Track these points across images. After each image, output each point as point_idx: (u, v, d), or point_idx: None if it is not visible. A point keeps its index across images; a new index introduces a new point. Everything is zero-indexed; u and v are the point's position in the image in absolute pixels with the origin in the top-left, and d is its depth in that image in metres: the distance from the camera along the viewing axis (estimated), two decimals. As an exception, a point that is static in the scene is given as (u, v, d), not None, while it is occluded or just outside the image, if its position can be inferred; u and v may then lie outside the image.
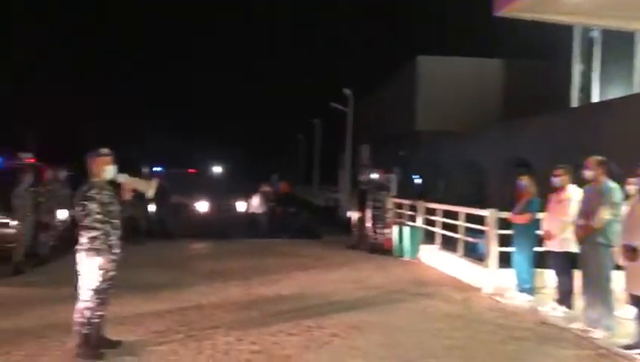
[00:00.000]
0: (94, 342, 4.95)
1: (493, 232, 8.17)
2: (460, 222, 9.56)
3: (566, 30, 17.15)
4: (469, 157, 21.92)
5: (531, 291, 7.43)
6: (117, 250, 4.96)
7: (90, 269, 4.82)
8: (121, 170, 5.14)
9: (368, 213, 12.15)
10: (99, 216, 4.81)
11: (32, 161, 15.92)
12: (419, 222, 11.46)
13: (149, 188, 5.26)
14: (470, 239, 9.39)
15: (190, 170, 20.66)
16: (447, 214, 10.40)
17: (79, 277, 4.89)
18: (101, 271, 4.82)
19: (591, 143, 10.97)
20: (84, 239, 4.81)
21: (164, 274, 9.01)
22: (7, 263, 8.70)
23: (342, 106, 27.23)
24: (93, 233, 4.78)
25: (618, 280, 5.80)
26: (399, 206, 13.01)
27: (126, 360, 4.85)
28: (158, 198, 13.57)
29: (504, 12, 8.47)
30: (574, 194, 6.56)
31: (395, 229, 11.76)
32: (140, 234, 12.85)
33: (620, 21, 9.16)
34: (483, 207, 9.23)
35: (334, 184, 27.18)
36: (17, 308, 6.51)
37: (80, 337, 4.88)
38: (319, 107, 35.49)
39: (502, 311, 6.90)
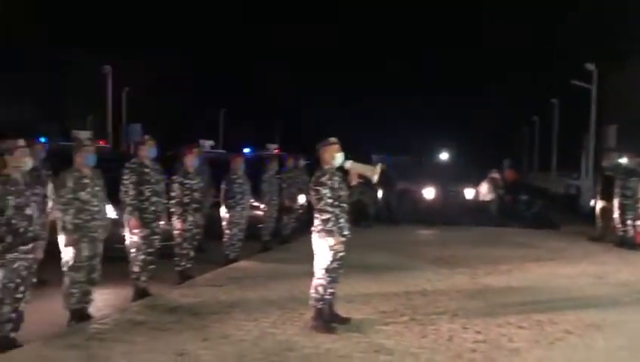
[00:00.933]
0: (327, 316, 5.37)
1: None
2: None
3: None
4: None
5: None
6: (346, 232, 5.28)
7: (322, 249, 5.21)
8: (348, 158, 5.44)
9: (615, 203, 10.85)
10: (330, 201, 5.17)
11: (278, 150, 17.77)
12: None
13: (374, 174, 5.47)
14: None
15: (415, 157, 20.90)
16: None
17: (315, 256, 5.33)
18: (332, 251, 5.18)
19: None
20: (317, 221, 5.22)
21: (391, 257, 9.29)
22: (256, 241, 9.86)
23: (584, 83, 24.59)
24: (325, 216, 5.16)
25: None
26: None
27: (352, 337, 5.13)
28: (384, 184, 14.10)
29: None
30: None
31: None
32: (368, 218, 13.41)
33: None
34: None
35: (575, 170, 24.83)
36: (264, 281, 7.32)
37: (315, 311, 5.32)
38: (557, 85, 32.42)
39: None
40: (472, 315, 5.88)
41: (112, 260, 6.62)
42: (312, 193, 5.25)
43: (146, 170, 6.56)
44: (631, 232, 10.66)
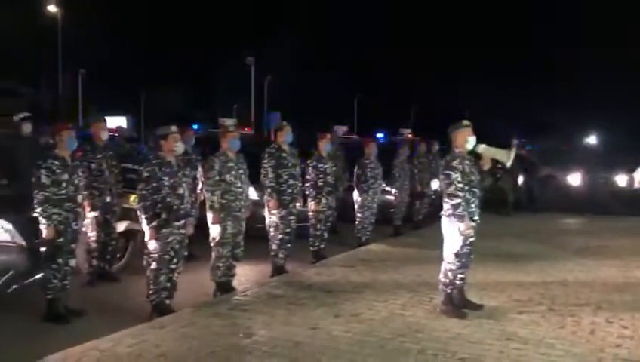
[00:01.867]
0: (457, 301, 5.32)
1: None
2: None
3: None
4: None
5: None
6: (476, 218, 5.18)
7: (452, 234, 5.16)
8: (482, 141, 5.30)
9: None
10: (460, 185, 5.09)
11: (410, 135, 17.65)
12: None
13: (508, 159, 5.28)
14: None
15: (560, 141, 19.60)
16: None
17: (444, 240, 5.30)
18: (462, 236, 5.12)
19: None
20: (447, 206, 5.18)
21: (530, 246, 8.89)
22: (388, 226, 9.94)
23: None
24: (455, 201, 5.09)
25: None
26: None
27: (483, 323, 5.04)
28: (526, 170, 13.42)
29: None
30: None
31: None
32: (508, 205, 12.88)
33: None
34: None
35: None
36: (395, 264, 7.39)
37: (444, 295, 5.30)
38: None
39: None
40: (618, 309, 5.49)
41: (254, 239, 7.12)
42: (442, 177, 5.20)
43: (284, 154, 6.92)
44: None
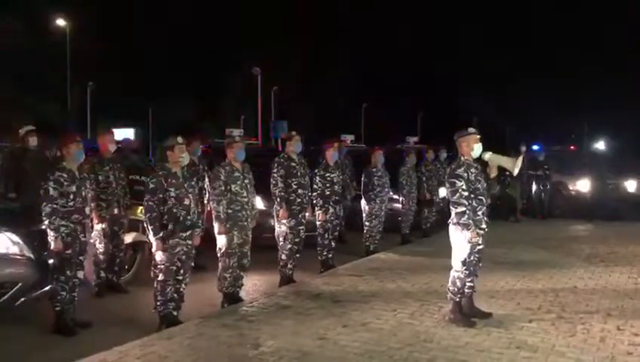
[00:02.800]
0: (466, 310, 5.28)
1: None
2: None
3: None
4: None
5: None
6: (484, 226, 5.14)
7: (460, 242, 5.13)
8: (488, 149, 5.28)
9: None
10: (465, 193, 5.06)
11: (416, 142, 17.61)
12: None
13: (514, 167, 5.24)
14: None
15: (571, 147, 19.46)
16: None
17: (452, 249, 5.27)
18: (470, 244, 5.08)
19: None
20: (453, 214, 5.15)
21: (539, 253, 8.82)
22: (397, 234, 9.90)
23: None
24: (460, 209, 5.06)
25: None
26: None
27: (493, 331, 5.00)
28: (538, 177, 13.34)
29: None
30: None
31: None
32: (516, 212, 12.81)
33: None
34: None
35: None
36: (404, 273, 7.35)
37: (453, 304, 5.26)
38: None
39: None
40: (629, 316, 5.43)
41: (261, 249, 7.11)
42: (448, 185, 5.18)
43: (293, 163, 6.92)
44: None
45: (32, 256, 5.15)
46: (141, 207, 5.98)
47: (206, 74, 39.95)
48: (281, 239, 6.90)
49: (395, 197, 9.88)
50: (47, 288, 5.17)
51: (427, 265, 7.72)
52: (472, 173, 5.12)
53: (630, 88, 37.86)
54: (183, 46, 38.63)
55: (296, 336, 4.88)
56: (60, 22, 34.73)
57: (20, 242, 5.13)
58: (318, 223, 7.62)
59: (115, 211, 6.55)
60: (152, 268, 5.29)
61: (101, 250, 6.47)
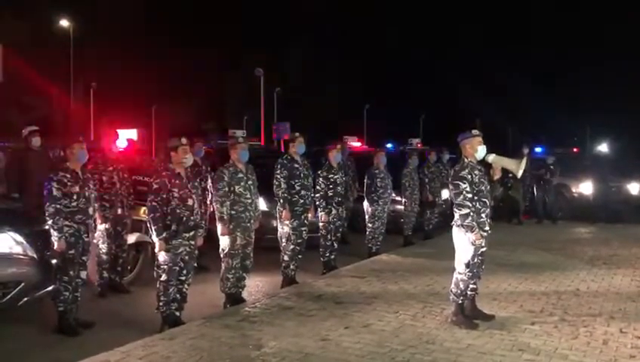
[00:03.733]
0: (469, 312, 5.28)
1: None
2: None
3: None
4: None
5: None
6: (487, 228, 5.14)
7: (463, 244, 5.13)
8: (492, 151, 5.28)
9: None
10: (469, 195, 5.06)
11: (419, 144, 17.61)
12: None
13: (518, 169, 5.24)
14: None
15: (574, 149, 19.44)
16: None
17: (456, 251, 5.26)
18: (473, 246, 5.08)
19: None
20: (457, 216, 5.15)
21: (541, 255, 8.81)
22: (399, 236, 9.89)
23: None
24: (464, 211, 5.05)
25: None
26: None
27: (495, 334, 4.99)
28: (541, 179, 13.30)
29: None
30: None
31: None
32: (519, 215, 12.80)
33: None
34: None
35: None
36: (406, 274, 7.34)
37: (455, 306, 5.26)
38: None
39: None
40: (631, 318, 5.42)
41: (264, 250, 7.11)
42: (451, 187, 5.18)
43: (296, 165, 6.92)
44: None
45: (35, 255, 5.15)
46: (144, 208, 6.00)
47: (209, 75, 39.97)
48: (283, 240, 6.90)
49: (398, 198, 9.87)
50: (50, 288, 5.18)
51: (429, 267, 7.71)
52: (476, 175, 5.12)
53: (631, 89, 37.79)
54: (186, 46, 38.68)
55: (298, 337, 4.88)
56: (64, 22, 34.79)
57: (23, 242, 5.14)
58: (320, 224, 7.62)
59: (119, 211, 6.56)
60: (155, 269, 5.30)
61: (104, 251, 6.49)
